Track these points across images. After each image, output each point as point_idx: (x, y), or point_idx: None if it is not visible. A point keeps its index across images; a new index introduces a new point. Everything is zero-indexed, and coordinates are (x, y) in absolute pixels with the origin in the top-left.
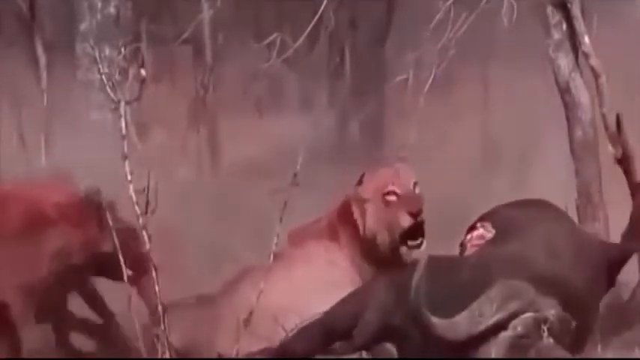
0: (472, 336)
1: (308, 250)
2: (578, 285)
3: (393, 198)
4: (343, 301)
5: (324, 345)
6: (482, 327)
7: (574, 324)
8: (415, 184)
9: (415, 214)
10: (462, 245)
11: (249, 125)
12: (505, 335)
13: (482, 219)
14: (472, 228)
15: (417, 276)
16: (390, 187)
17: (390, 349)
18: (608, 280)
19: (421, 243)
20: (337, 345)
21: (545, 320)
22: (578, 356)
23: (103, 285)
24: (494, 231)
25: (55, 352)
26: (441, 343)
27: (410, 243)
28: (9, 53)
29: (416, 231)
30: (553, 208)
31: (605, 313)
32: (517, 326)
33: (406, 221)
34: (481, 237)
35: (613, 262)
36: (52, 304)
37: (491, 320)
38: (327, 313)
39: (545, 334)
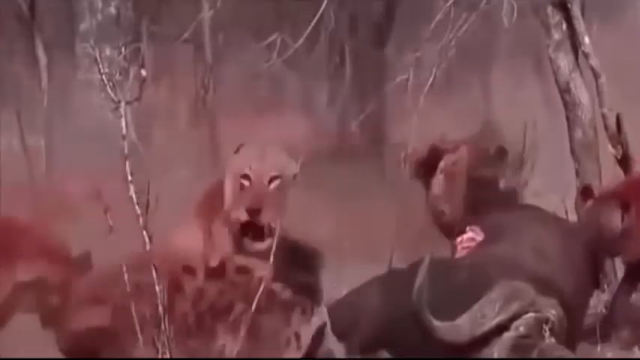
0: (474, 338)
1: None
2: (566, 286)
3: (246, 183)
4: (340, 302)
5: (320, 347)
6: (484, 328)
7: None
8: (274, 178)
9: (251, 212)
10: (453, 248)
11: (249, 125)
12: (508, 336)
13: (470, 222)
14: (460, 231)
15: (421, 278)
16: (246, 171)
17: (386, 355)
18: (593, 281)
19: (266, 245)
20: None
21: (546, 320)
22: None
23: None
24: (483, 234)
25: None
26: (443, 345)
27: (249, 241)
28: (9, 53)
29: (255, 230)
30: (539, 212)
31: (605, 313)
32: (519, 327)
33: (242, 215)
34: (472, 239)
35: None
36: None
37: (494, 321)
38: None
39: (547, 334)
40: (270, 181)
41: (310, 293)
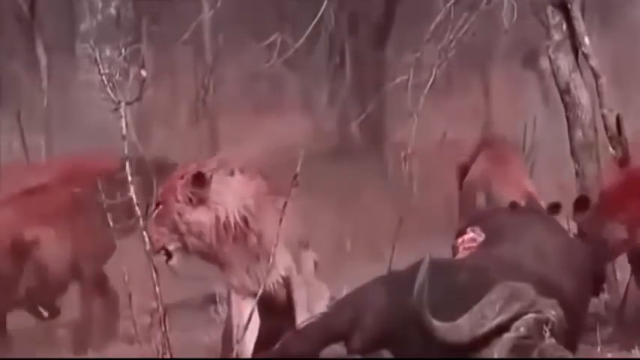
0: (475, 338)
1: None
2: (566, 289)
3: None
4: (341, 302)
5: (322, 346)
6: (485, 329)
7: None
8: (157, 205)
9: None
10: (454, 248)
11: (249, 125)
12: (508, 336)
13: (471, 223)
14: (462, 232)
15: (420, 279)
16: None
17: (386, 355)
18: (594, 286)
19: (175, 262)
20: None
21: (546, 321)
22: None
23: None
24: (484, 235)
25: None
26: (443, 346)
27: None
28: (9, 53)
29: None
30: (540, 215)
31: (605, 313)
32: (520, 327)
33: None
34: (473, 240)
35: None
36: None
37: (494, 322)
38: (325, 315)
39: (547, 334)
40: (156, 206)
41: None
